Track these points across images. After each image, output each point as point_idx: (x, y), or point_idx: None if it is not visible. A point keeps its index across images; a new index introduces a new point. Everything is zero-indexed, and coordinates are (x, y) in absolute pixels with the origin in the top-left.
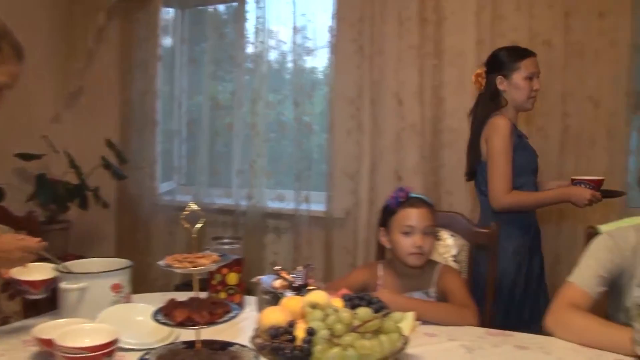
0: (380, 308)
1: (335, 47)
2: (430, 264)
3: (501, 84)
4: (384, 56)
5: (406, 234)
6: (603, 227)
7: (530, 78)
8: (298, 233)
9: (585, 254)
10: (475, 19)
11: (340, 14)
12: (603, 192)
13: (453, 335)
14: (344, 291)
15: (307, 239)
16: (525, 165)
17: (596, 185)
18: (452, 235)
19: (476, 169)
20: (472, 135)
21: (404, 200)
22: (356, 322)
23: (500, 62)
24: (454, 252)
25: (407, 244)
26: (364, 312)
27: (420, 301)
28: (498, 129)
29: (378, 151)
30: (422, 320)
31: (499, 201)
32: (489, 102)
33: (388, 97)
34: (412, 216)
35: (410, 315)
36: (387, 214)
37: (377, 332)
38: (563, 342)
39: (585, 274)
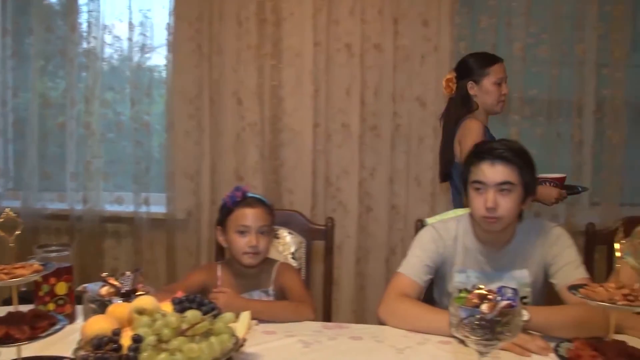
0: (210, 310)
1: (174, 46)
2: (269, 262)
3: (472, 89)
4: (223, 55)
5: (241, 233)
6: (429, 220)
7: (499, 83)
8: (138, 237)
9: (413, 245)
10: (312, 22)
11: (178, 11)
12: (568, 189)
13: (291, 332)
14: (178, 294)
15: (148, 242)
16: None
17: (560, 182)
18: (290, 233)
19: (450, 171)
20: (444, 138)
21: (241, 199)
22: (184, 326)
23: (470, 68)
24: (292, 249)
25: (241, 243)
26: (192, 314)
27: (256, 301)
28: (471, 130)
29: (218, 151)
30: (261, 319)
31: None
32: (460, 106)
33: (227, 97)
34: (248, 216)
35: (245, 315)
36: (224, 213)
37: (207, 334)
38: (395, 329)
39: (413, 264)
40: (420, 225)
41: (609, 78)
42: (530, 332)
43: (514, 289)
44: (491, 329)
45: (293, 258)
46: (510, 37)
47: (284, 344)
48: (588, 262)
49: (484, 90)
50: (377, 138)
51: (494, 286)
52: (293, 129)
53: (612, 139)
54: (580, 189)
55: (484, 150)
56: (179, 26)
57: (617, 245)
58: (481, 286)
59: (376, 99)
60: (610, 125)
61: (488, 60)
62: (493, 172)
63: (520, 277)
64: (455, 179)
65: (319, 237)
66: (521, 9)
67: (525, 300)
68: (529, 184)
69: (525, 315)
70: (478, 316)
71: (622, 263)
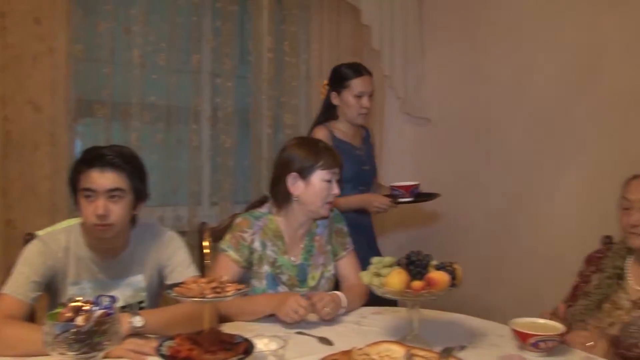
0: None
1: None
2: None
3: (335, 98)
4: None
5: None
6: (39, 233)
7: (359, 96)
8: None
9: (19, 261)
10: None
11: None
12: (419, 195)
13: None
14: None
15: None
16: (344, 174)
17: (406, 190)
18: None
19: None
20: None
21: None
22: None
23: (335, 78)
24: None
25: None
26: None
27: None
28: (315, 136)
29: None
30: None
31: None
32: (323, 113)
33: None
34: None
35: None
36: None
37: None
38: None
39: (18, 282)
40: (29, 238)
41: (222, 87)
42: (148, 335)
43: (111, 297)
44: (89, 340)
45: None
46: (130, 43)
47: None
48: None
49: (344, 102)
50: None
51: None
52: None
53: (225, 144)
54: (432, 196)
55: (93, 157)
56: None
57: (205, 243)
58: (78, 298)
59: None
60: (223, 130)
61: (351, 73)
62: (103, 178)
63: (136, 283)
64: None
65: None
66: (139, 16)
67: (142, 305)
68: (139, 190)
69: (139, 320)
70: (73, 330)
71: (219, 256)
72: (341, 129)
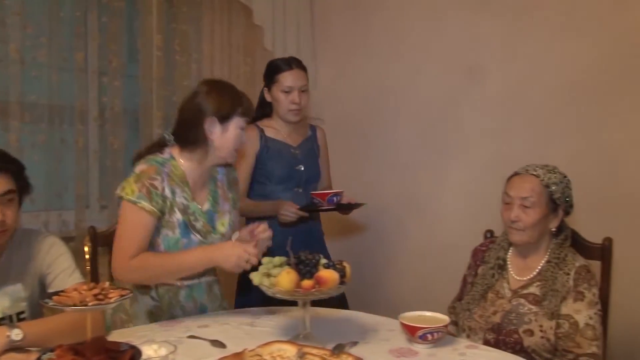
0: None
1: None
2: None
3: (267, 94)
4: None
5: None
6: None
7: (287, 92)
8: None
9: None
10: None
11: None
12: (343, 206)
13: None
14: None
15: None
16: (269, 174)
17: (322, 198)
18: None
19: None
20: None
21: None
22: None
23: (267, 73)
24: None
25: None
26: None
27: None
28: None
29: None
30: None
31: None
32: (257, 109)
33: None
34: None
35: None
36: None
37: None
38: None
39: None
40: None
41: (109, 86)
42: (29, 349)
43: None
44: None
45: None
46: (5, 37)
47: None
48: (93, 264)
49: (274, 98)
50: None
51: None
52: None
53: (114, 145)
54: (355, 206)
55: None
56: None
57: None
58: None
59: None
60: (111, 131)
61: (279, 66)
62: None
63: (14, 292)
64: None
65: None
66: (15, 7)
67: (22, 316)
68: (24, 188)
69: (17, 333)
70: None
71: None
72: (274, 126)
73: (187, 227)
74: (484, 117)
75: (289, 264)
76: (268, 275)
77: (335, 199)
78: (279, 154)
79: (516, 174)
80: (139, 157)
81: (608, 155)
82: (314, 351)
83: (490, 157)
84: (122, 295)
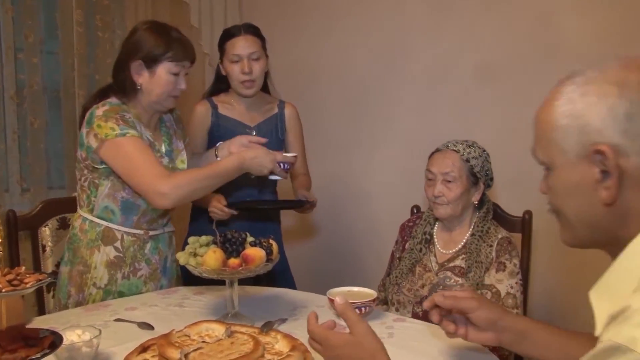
0: None
1: None
2: None
3: (221, 67)
4: None
5: None
6: None
7: (235, 61)
8: None
9: None
10: None
11: None
12: (285, 203)
13: None
14: None
15: None
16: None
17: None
18: None
19: None
20: None
21: None
22: None
23: (218, 44)
24: None
25: None
26: None
27: None
28: (192, 113)
29: None
30: None
31: None
32: (213, 84)
33: None
34: None
35: None
36: None
37: None
38: None
39: None
40: None
41: (26, 63)
42: None
43: None
44: None
45: None
46: None
47: None
48: (13, 251)
49: (226, 70)
50: None
51: None
52: None
53: (34, 124)
54: (301, 203)
55: None
56: None
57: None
58: None
59: None
60: (31, 110)
61: (225, 34)
62: None
63: None
64: None
65: None
66: None
67: None
68: None
69: None
70: None
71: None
72: (230, 102)
73: None
74: (410, 94)
75: (215, 243)
76: (194, 254)
77: (283, 166)
78: (232, 133)
79: (437, 150)
80: (85, 110)
81: (526, 130)
82: (243, 329)
83: (416, 134)
84: (39, 280)
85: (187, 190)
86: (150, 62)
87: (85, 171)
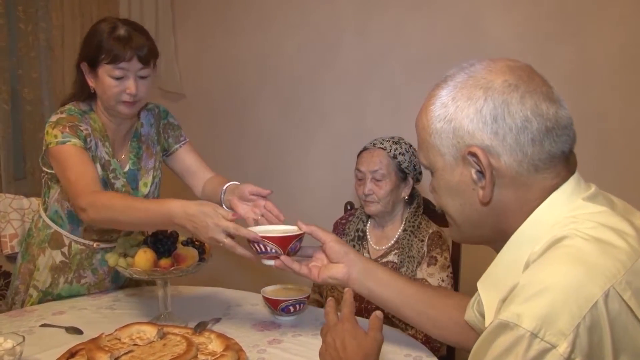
0: None
1: None
2: None
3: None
4: None
5: None
6: None
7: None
8: None
9: None
10: None
11: None
12: None
13: None
14: None
15: None
16: None
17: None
18: None
19: None
20: None
21: None
22: None
23: None
24: None
25: None
26: None
27: None
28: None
29: None
30: None
31: None
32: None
33: None
34: None
35: None
36: None
37: None
38: None
39: None
40: None
41: None
42: None
43: None
44: None
45: None
46: None
47: None
48: None
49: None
50: None
51: None
52: None
53: None
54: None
55: None
56: None
57: None
58: None
59: None
60: None
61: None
62: None
63: None
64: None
65: None
66: None
67: None
68: None
69: None
70: None
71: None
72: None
73: (107, 185)
74: (341, 91)
75: (145, 243)
76: (125, 255)
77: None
78: None
79: (365, 149)
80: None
81: None
82: (176, 330)
83: (348, 130)
84: None
85: (104, 215)
86: (92, 65)
87: (45, 168)
